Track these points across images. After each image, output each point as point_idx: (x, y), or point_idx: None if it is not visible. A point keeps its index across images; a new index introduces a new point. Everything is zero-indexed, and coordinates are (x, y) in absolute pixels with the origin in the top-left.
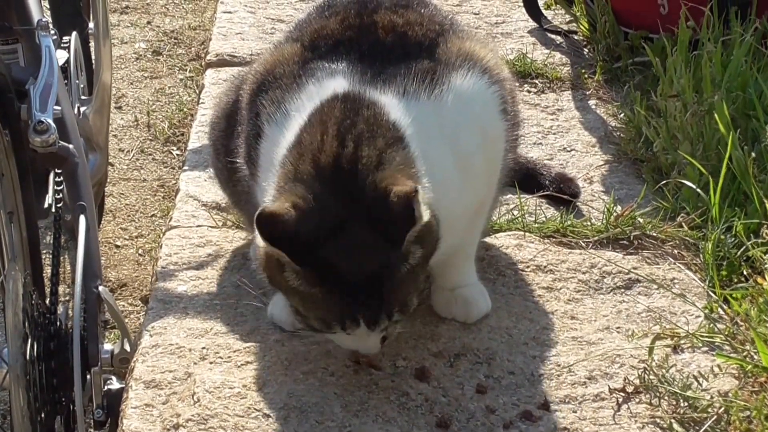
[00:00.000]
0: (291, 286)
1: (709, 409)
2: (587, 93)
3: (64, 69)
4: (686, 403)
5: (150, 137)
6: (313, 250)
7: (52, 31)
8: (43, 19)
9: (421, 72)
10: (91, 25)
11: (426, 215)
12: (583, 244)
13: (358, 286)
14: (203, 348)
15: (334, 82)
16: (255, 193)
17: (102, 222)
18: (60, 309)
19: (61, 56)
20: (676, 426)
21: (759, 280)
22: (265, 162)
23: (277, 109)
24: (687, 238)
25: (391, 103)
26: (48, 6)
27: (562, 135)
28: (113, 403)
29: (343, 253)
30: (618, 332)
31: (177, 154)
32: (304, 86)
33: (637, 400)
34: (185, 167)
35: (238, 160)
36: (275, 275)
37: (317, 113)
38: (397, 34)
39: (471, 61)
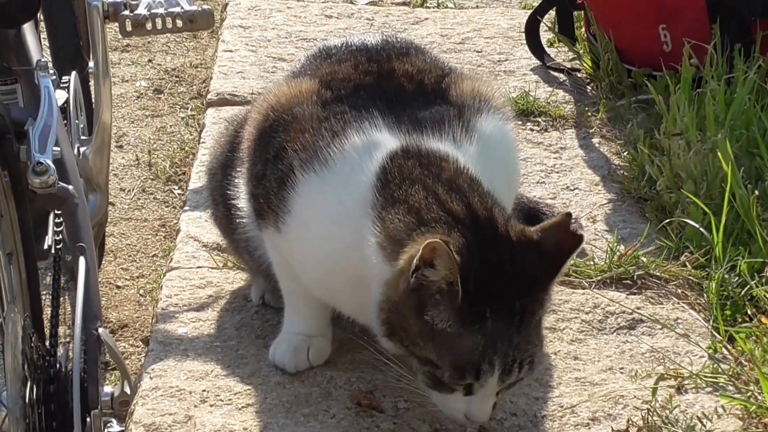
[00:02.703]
0: (428, 330)
1: None
2: (590, 131)
3: (64, 109)
4: None
5: (151, 176)
6: (472, 287)
7: (51, 71)
8: (42, 59)
9: (455, 118)
10: (91, 64)
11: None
12: (586, 284)
13: (502, 328)
14: (204, 390)
15: (380, 134)
16: (272, 238)
17: (103, 262)
18: (60, 351)
19: (60, 96)
20: None
21: (763, 319)
22: (304, 212)
23: (313, 156)
24: (691, 277)
25: (455, 153)
26: (47, 46)
27: (565, 173)
28: None
29: (493, 293)
30: (621, 373)
31: (178, 194)
32: (344, 136)
33: None
34: (186, 207)
35: (238, 209)
36: (407, 318)
37: (395, 172)
38: (414, 81)
39: (486, 102)
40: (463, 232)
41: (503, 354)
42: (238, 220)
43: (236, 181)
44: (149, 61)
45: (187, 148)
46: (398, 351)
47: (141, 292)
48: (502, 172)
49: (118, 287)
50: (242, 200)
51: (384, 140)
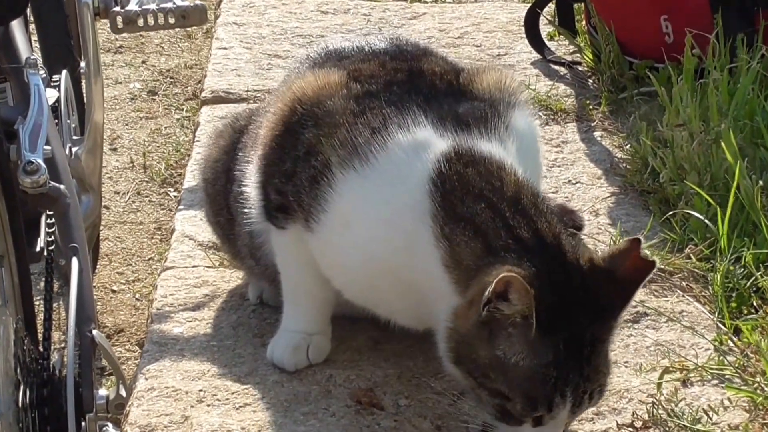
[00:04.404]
0: (500, 363)
1: None
2: (592, 124)
3: (55, 108)
4: None
5: (146, 179)
6: (544, 318)
7: (41, 70)
8: (32, 57)
9: (495, 116)
10: (82, 64)
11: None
12: None
13: (574, 359)
14: (200, 390)
15: (425, 131)
16: (300, 235)
17: (98, 266)
18: (54, 355)
19: (51, 95)
20: None
21: None
22: (345, 212)
23: (353, 154)
24: (695, 269)
25: (507, 159)
26: (38, 45)
27: (567, 167)
28: None
29: (565, 323)
30: (626, 367)
31: (174, 196)
32: (386, 133)
33: None
34: (180, 206)
35: (245, 209)
36: (477, 350)
37: (455, 181)
38: (444, 80)
39: (514, 96)
40: (533, 262)
41: (575, 385)
42: (243, 210)
43: (244, 168)
44: (143, 62)
45: (182, 150)
46: (465, 381)
47: (137, 296)
48: (534, 169)
49: (114, 292)
50: (249, 187)
51: (431, 138)
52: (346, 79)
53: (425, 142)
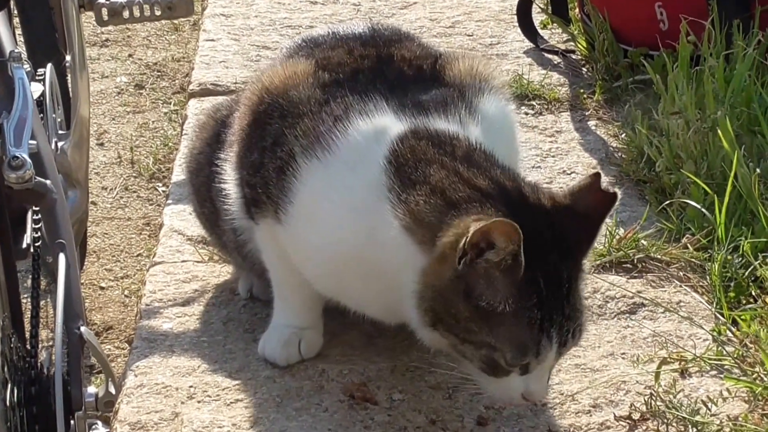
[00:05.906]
0: (482, 313)
1: None
2: (587, 113)
3: (40, 102)
4: (695, 429)
5: (134, 174)
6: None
7: (26, 63)
8: (16, 51)
9: (459, 100)
10: (67, 57)
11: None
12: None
13: (555, 299)
14: (191, 386)
15: (385, 117)
16: (271, 228)
17: (85, 263)
18: (42, 353)
19: (36, 89)
20: None
21: None
22: (310, 202)
23: (315, 142)
24: (692, 259)
25: (462, 133)
26: (22, 38)
27: (561, 157)
28: None
29: (541, 264)
30: (623, 358)
31: (162, 191)
32: (347, 121)
33: (644, 427)
34: (169, 201)
35: (226, 206)
36: (456, 305)
37: (407, 154)
38: (413, 66)
39: (486, 82)
40: (497, 207)
41: (559, 325)
42: (225, 207)
43: (223, 166)
44: (130, 56)
45: (170, 144)
46: (445, 340)
47: (126, 292)
48: (506, 153)
49: (102, 288)
50: (229, 185)
51: (389, 124)
52: (313, 69)
53: (383, 127)
